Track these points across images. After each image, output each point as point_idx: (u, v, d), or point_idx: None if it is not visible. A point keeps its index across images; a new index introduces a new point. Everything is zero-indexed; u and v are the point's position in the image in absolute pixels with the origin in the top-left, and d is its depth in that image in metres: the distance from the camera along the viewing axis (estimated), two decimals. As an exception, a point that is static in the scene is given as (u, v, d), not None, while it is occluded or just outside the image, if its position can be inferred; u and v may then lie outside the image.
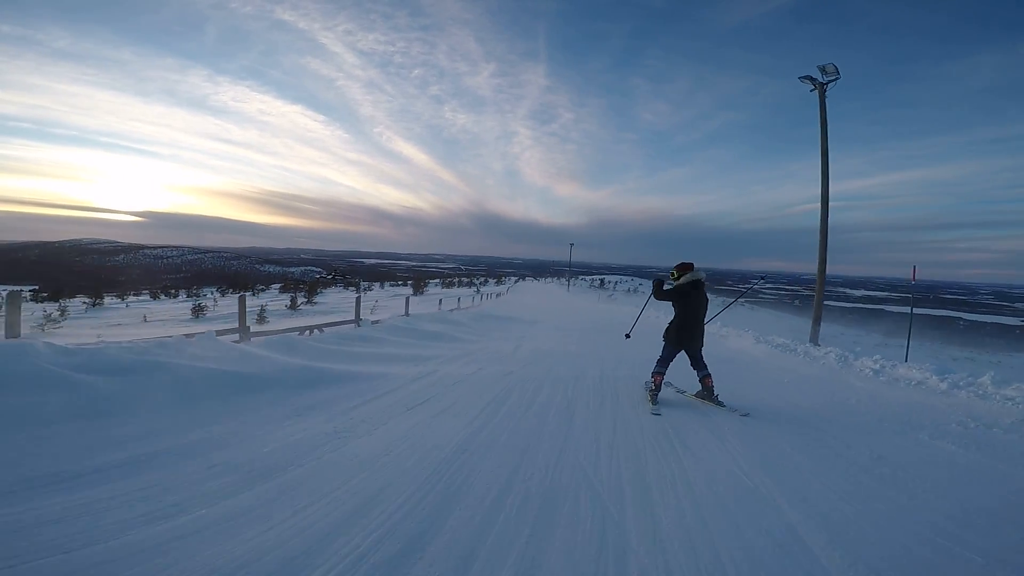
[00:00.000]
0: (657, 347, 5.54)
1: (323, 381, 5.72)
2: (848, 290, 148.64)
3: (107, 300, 44.00)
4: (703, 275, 4.99)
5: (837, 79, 13.35)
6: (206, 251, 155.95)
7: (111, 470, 3.01)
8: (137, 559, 2.15)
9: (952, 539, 2.60)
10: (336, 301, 39.74)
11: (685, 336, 4.97)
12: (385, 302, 33.15)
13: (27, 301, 39.37)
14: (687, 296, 4.90)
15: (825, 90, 13.47)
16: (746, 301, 67.15)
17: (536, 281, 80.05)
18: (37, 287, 54.53)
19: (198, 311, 30.91)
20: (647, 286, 79.33)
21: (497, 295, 38.19)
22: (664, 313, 7.96)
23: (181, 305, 38.42)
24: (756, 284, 7.94)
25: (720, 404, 4.90)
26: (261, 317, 25.97)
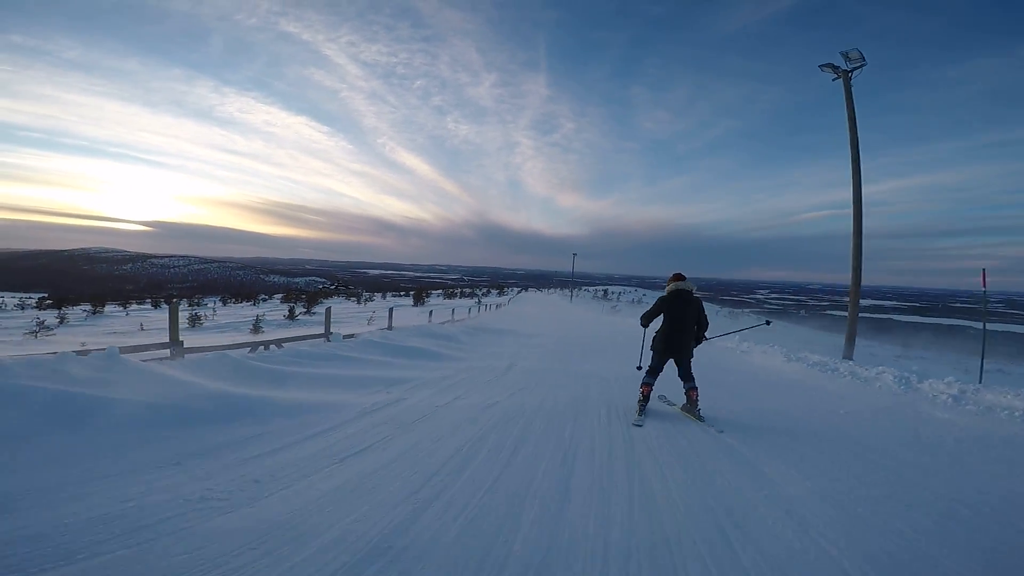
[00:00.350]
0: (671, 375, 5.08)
1: (245, 414, 4.30)
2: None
3: (109, 308, 43.13)
4: (690, 286, 4.92)
5: (863, 66, 11.96)
6: (212, 261, 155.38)
7: None
8: None
9: None
10: (336, 311, 38.53)
11: (670, 345, 4.86)
12: (383, 312, 31.86)
13: (32, 308, 38.62)
14: (670, 305, 4.83)
15: (851, 78, 12.09)
16: (750, 311, 65.66)
17: (539, 292, 78.51)
18: (46, 294, 53.91)
19: (194, 320, 30.07)
20: (651, 297, 78.12)
21: (497, 306, 36.73)
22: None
23: (180, 315, 37.45)
24: (763, 325, 7.15)
25: (700, 419, 4.72)
26: (256, 327, 25.42)
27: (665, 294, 4.98)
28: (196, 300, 54.79)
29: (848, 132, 12.06)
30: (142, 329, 28.46)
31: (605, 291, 77.05)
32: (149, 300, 55.22)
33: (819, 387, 7.38)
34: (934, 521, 2.73)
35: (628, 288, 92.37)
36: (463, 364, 8.21)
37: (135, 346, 6.13)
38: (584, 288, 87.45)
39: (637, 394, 5.10)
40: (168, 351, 6.34)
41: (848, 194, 11.87)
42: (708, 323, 5.07)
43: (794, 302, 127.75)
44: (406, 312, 29.95)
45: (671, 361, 4.98)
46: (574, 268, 57.88)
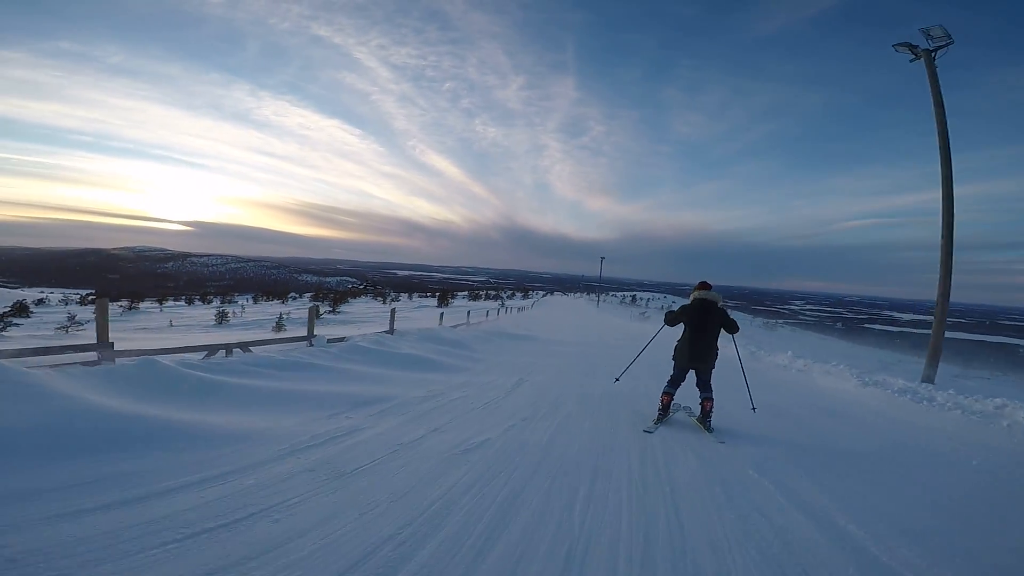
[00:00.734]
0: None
1: (124, 442, 3.06)
2: (895, 313, 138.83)
3: (146, 304, 43.86)
4: (715, 296, 4.75)
5: (948, 44, 9.99)
6: (248, 260, 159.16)
7: None
8: None
9: None
10: (361, 311, 37.96)
11: (692, 356, 4.68)
12: (407, 313, 30.85)
13: (75, 304, 39.63)
14: (692, 315, 4.70)
15: (934, 58, 10.14)
16: (785, 323, 62.04)
17: (564, 296, 76.61)
18: (93, 291, 55.70)
19: (221, 317, 30.06)
20: (682, 304, 74.25)
21: (520, 309, 35.25)
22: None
23: (212, 311, 37.74)
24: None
25: (710, 431, 4.50)
26: (279, 325, 25.36)
27: (689, 302, 4.84)
28: (229, 298, 55.50)
29: (935, 120, 10.13)
30: (171, 325, 28.45)
31: (633, 296, 74.52)
32: (184, 297, 56.32)
33: (915, 423, 5.61)
34: None
35: (657, 294, 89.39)
36: (462, 377, 6.75)
37: (50, 347, 4.97)
38: (612, 293, 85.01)
39: (684, 438, 4.33)
40: (96, 354, 5.16)
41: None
42: (738, 327, 4.86)
43: (831, 314, 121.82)
44: (428, 313, 28.83)
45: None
46: (602, 272, 55.89)
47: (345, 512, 2.47)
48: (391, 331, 9.67)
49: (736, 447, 4.16)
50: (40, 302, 38.76)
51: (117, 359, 5.16)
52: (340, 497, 2.64)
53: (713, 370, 4.74)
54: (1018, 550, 2.59)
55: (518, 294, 73.05)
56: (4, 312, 19.66)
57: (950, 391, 6.58)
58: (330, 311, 36.12)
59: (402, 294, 67.58)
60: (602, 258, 55.33)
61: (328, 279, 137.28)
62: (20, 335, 19.98)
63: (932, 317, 11.12)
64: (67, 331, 21.49)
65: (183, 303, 49.56)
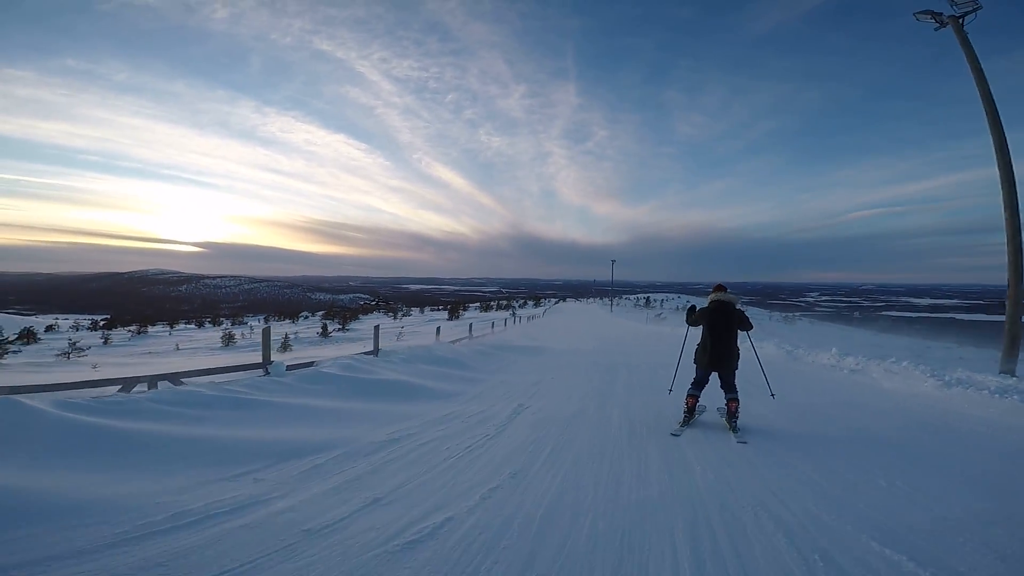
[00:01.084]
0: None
1: None
2: (912, 299, 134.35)
3: (156, 328, 43.43)
4: (732, 297, 4.72)
5: (976, 9, 8.56)
6: (261, 280, 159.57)
7: None
8: None
9: None
10: (371, 327, 36.94)
11: (712, 358, 4.55)
12: (416, 327, 29.62)
13: (86, 329, 39.30)
14: (709, 317, 4.66)
15: (962, 23, 8.70)
16: (801, 315, 59.53)
17: (577, 302, 74.89)
18: (108, 316, 55.72)
19: (228, 339, 29.32)
20: (696, 303, 71.93)
21: (531, 318, 33.82)
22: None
23: (220, 333, 37.16)
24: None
25: (736, 430, 4.35)
26: (286, 345, 24.55)
27: (706, 304, 4.81)
28: (239, 319, 54.94)
29: (977, 87, 8.70)
30: (177, 349, 27.75)
31: (647, 299, 72.55)
32: (194, 320, 55.89)
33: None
34: None
35: (671, 295, 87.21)
36: (447, 407, 5.36)
37: None
38: (625, 296, 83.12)
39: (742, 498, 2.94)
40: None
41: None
42: (752, 326, 4.81)
43: (847, 304, 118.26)
44: (442, 326, 27.61)
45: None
46: (613, 276, 54.26)
47: None
48: (375, 351, 8.37)
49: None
50: (50, 328, 38.46)
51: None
52: None
53: (737, 371, 4.61)
54: None
55: (530, 302, 71.72)
56: (3, 339, 19.13)
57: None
58: (339, 329, 35.14)
59: (413, 309, 66.67)
60: (613, 261, 53.70)
61: (341, 296, 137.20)
62: (17, 363, 19.27)
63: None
64: (68, 357, 20.88)
65: (193, 326, 49.09)
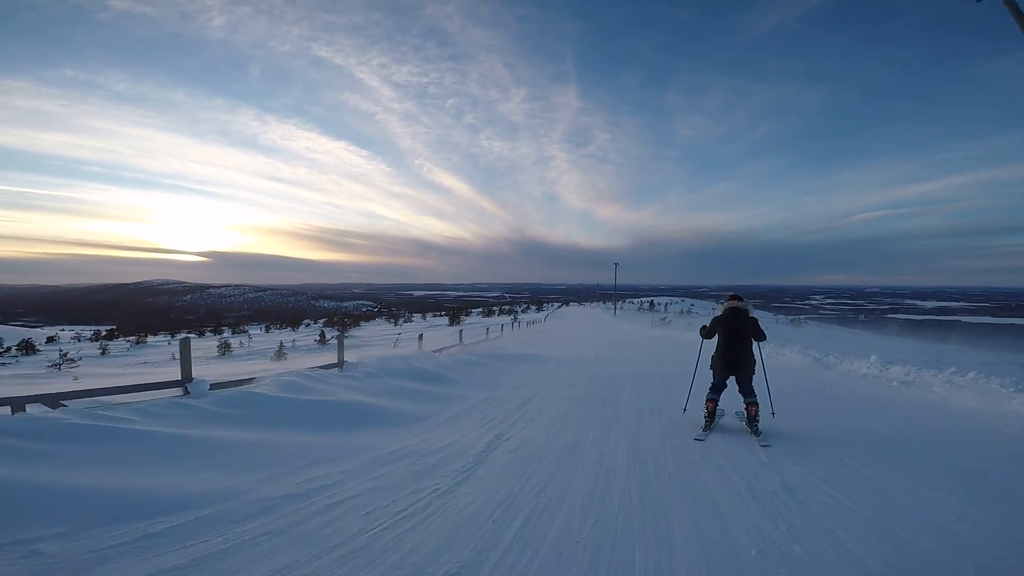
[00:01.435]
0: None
1: None
2: (918, 302, 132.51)
3: (156, 337, 42.66)
4: (746, 306, 4.75)
5: None
6: (265, 288, 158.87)
7: None
8: None
9: None
10: (372, 333, 35.95)
11: (728, 364, 4.57)
12: (414, 334, 28.50)
13: (87, 340, 38.60)
14: (724, 324, 4.68)
15: None
16: (807, 318, 58.02)
17: (580, 306, 73.66)
18: (115, 327, 55.14)
19: (224, 348, 28.46)
20: (700, 307, 71.36)
21: (531, 322, 32.58)
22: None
23: (212, 343, 36.37)
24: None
25: (757, 434, 4.31)
26: (281, 353, 23.75)
27: (720, 313, 4.78)
28: (241, 328, 54.07)
29: None
30: (173, 359, 26.94)
31: (651, 302, 71.16)
32: (196, 329, 55.15)
33: None
34: None
35: (674, 298, 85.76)
36: (401, 441, 4.12)
37: None
38: (628, 300, 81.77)
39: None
40: None
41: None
42: (766, 336, 4.66)
43: (851, 307, 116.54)
44: (440, 332, 26.43)
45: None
46: (616, 280, 52.97)
47: None
48: (340, 363, 7.18)
49: None
50: (52, 339, 37.68)
51: None
52: None
53: (754, 376, 4.58)
54: None
55: (533, 307, 70.49)
56: (-5, 351, 18.46)
57: None
58: (339, 336, 34.09)
59: (415, 315, 65.72)
60: (616, 264, 52.39)
61: (345, 304, 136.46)
62: (7, 375, 18.38)
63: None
64: (59, 368, 20.11)
65: (194, 335, 48.24)
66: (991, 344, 27.52)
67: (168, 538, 2.17)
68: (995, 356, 21.86)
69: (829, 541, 2.31)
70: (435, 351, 10.11)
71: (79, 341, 38.12)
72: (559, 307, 70.55)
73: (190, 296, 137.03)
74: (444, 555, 2.17)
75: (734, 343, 4.58)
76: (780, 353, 10.08)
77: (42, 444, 3.01)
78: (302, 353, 24.79)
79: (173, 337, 43.19)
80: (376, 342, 26.32)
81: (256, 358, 24.37)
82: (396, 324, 48.88)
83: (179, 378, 4.92)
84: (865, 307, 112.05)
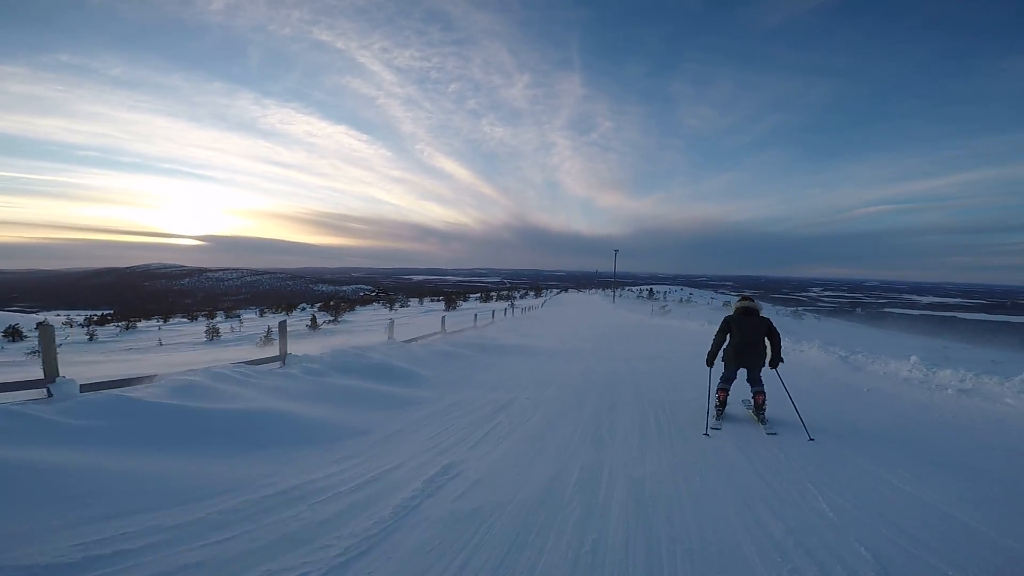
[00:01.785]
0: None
1: None
2: (915, 296, 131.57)
3: (148, 322, 41.51)
4: (758, 305, 4.92)
5: None
6: (264, 272, 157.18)
7: None
8: None
9: None
10: (367, 318, 34.80)
11: (740, 355, 4.71)
12: (410, 319, 27.29)
13: (79, 326, 37.54)
14: (737, 322, 4.79)
15: None
16: (805, 310, 56.80)
17: (579, 292, 72.44)
18: (111, 311, 53.89)
19: (213, 333, 27.32)
20: (699, 296, 70.11)
21: (528, 309, 31.36)
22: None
23: (200, 327, 35.12)
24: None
25: (764, 422, 4.47)
26: (268, 339, 22.66)
27: (732, 313, 4.93)
28: (235, 312, 52.86)
29: None
30: (160, 344, 25.90)
31: (650, 290, 69.93)
32: (188, 314, 53.91)
33: None
34: None
35: (674, 287, 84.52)
36: (300, 476, 2.87)
37: None
38: (627, 288, 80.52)
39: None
40: None
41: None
42: (781, 337, 4.74)
43: (849, 300, 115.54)
44: (435, 318, 25.27)
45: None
46: (616, 267, 51.63)
47: None
48: (282, 357, 5.96)
49: None
50: (41, 325, 36.43)
51: None
52: None
53: (763, 367, 4.65)
54: None
55: (531, 293, 69.39)
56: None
57: None
58: (331, 321, 33.05)
59: (413, 300, 64.58)
60: (615, 250, 51.01)
61: (343, 288, 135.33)
62: None
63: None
64: (38, 355, 19.05)
65: (187, 320, 47.05)
66: (992, 341, 26.33)
67: None
68: (1004, 354, 20.69)
69: None
70: (410, 340, 8.90)
71: (71, 327, 36.95)
72: (558, 293, 69.43)
73: (188, 280, 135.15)
74: None
75: (745, 336, 4.73)
76: (798, 349, 8.89)
77: None
78: (292, 339, 23.68)
79: (166, 322, 42.03)
80: (370, 327, 25.15)
81: (245, 343, 23.27)
82: (392, 309, 47.77)
83: (70, 374, 3.72)
84: (862, 301, 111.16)
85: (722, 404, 4.74)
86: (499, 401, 5.13)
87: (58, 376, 3.72)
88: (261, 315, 47.93)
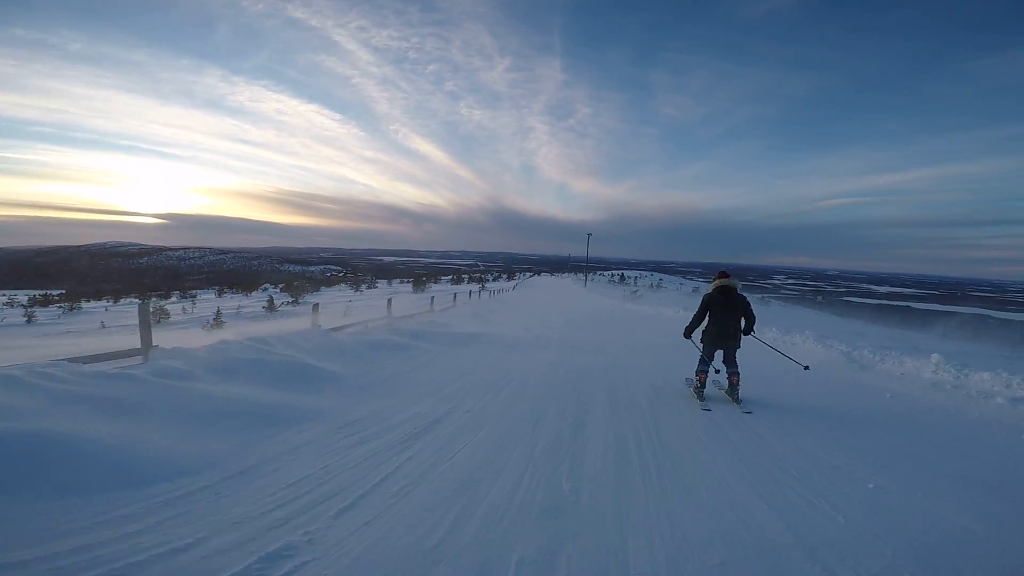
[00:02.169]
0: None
1: None
2: (873, 287, 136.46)
3: (96, 303, 38.16)
4: (735, 283, 4.92)
5: None
6: (227, 252, 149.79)
7: None
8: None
9: None
10: (329, 300, 32.75)
11: (718, 337, 4.80)
12: (373, 301, 25.42)
13: (20, 306, 34.12)
14: (716, 301, 4.83)
15: None
16: (768, 296, 57.27)
17: (551, 276, 71.44)
18: (63, 291, 49.57)
19: (161, 315, 24.80)
20: (669, 282, 69.95)
21: (498, 291, 29.94)
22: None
23: (148, 309, 32.26)
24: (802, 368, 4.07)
25: (739, 401, 4.62)
26: (218, 321, 20.48)
27: (710, 291, 4.93)
28: (189, 292, 49.46)
29: None
30: (102, 327, 23.48)
31: (622, 275, 69.52)
32: (141, 295, 50.22)
33: None
34: None
35: (644, 272, 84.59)
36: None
37: None
38: (599, 272, 79.99)
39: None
40: None
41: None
42: (755, 317, 4.90)
43: (812, 288, 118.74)
44: (401, 300, 23.45)
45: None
46: (588, 252, 50.63)
47: None
48: (144, 351, 4.37)
49: None
50: (-19, 305, 32.97)
51: None
52: None
53: (739, 349, 4.76)
54: None
55: (504, 276, 68.03)
56: None
57: None
58: (291, 303, 30.89)
59: (381, 281, 62.22)
60: (589, 234, 50.04)
61: (311, 267, 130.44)
62: None
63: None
64: None
65: (139, 301, 43.67)
66: (949, 332, 26.24)
67: None
68: (976, 347, 20.20)
69: None
70: (338, 328, 7.33)
71: (11, 307, 33.54)
72: (530, 276, 68.36)
73: (146, 258, 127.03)
74: None
75: (726, 319, 4.75)
76: (790, 342, 7.78)
77: None
78: (246, 321, 21.64)
79: (115, 302, 38.74)
80: (334, 309, 23.25)
81: (193, 326, 21.16)
82: (358, 290, 45.60)
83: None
84: (823, 289, 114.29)
85: (702, 385, 4.85)
86: (426, 417, 3.70)
87: None
88: (220, 295, 44.93)
